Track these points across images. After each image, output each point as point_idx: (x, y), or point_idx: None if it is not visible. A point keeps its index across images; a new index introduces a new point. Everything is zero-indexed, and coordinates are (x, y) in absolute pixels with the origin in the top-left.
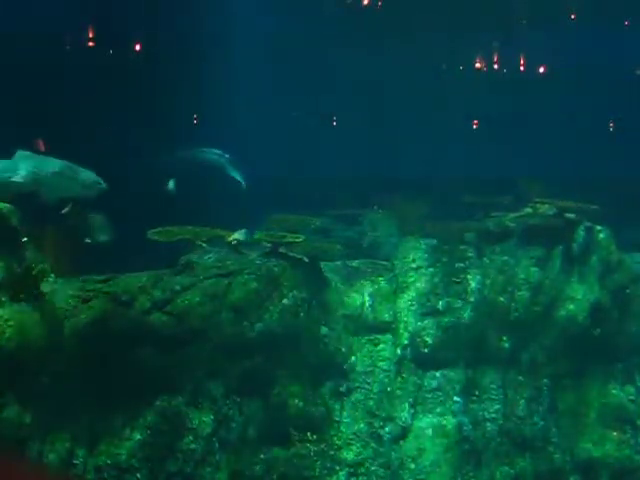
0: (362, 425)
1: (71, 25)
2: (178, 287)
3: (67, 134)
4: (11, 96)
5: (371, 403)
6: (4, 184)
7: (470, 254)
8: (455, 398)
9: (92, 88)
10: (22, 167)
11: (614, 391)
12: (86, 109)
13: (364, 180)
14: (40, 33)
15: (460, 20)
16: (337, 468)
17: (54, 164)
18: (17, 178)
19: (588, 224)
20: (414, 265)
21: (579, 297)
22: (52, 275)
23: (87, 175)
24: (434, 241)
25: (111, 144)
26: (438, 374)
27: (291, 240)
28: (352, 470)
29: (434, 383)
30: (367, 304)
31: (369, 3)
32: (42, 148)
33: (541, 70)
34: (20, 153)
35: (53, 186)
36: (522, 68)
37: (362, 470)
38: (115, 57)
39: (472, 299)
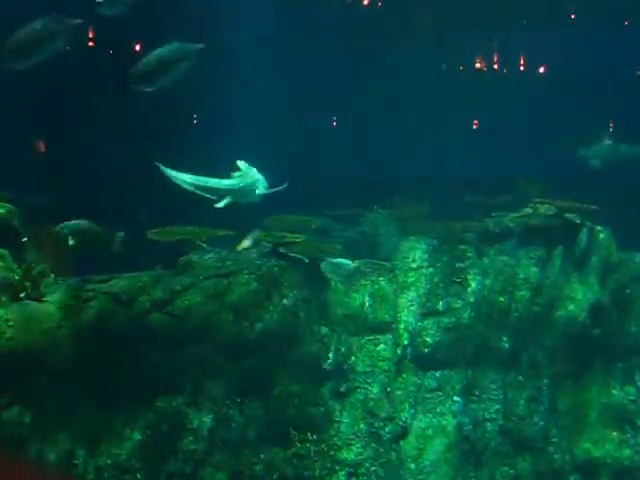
0: (362, 425)
1: None
2: (178, 287)
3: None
4: None
5: (371, 403)
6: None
7: (470, 254)
8: (455, 398)
9: None
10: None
11: (614, 391)
12: None
13: (364, 180)
14: None
15: (459, 19)
16: (337, 468)
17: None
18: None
19: (588, 224)
20: (414, 265)
21: (579, 297)
22: (52, 275)
23: None
24: (434, 241)
25: None
26: (438, 374)
27: (291, 240)
28: (352, 470)
29: (434, 383)
30: (367, 304)
31: (369, 3)
32: (42, 149)
33: (541, 70)
34: (243, 164)
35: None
36: (521, 68)
37: (362, 470)
38: None
39: (472, 299)
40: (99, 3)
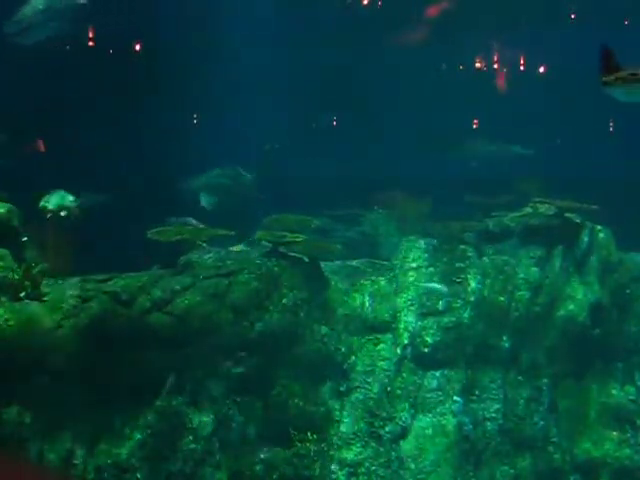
0: (362, 425)
1: None
2: (178, 287)
3: None
4: None
5: (371, 403)
6: None
7: (470, 254)
8: (455, 398)
9: None
10: None
11: (614, 391)
12: None
13: (364, 180)
14: None
15: (459, 20)
16: (337, 468)
17: None
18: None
19: (588, 224)
20: (414, 265)
21: (579, 297)
22: (52, 275)
23: None
24: (434, 241)
25: None
26: (438, 374)
27: (291, 240)
28: (352, 470)
29: (434, 383)
30: (367, 304)
31: (369, 3)
32: (42, 148)
33: (541, 70)
34: None
35: None
36: (522, 68)
37: (362, 470)
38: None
39: (472, 299)
40: (10, 34)
